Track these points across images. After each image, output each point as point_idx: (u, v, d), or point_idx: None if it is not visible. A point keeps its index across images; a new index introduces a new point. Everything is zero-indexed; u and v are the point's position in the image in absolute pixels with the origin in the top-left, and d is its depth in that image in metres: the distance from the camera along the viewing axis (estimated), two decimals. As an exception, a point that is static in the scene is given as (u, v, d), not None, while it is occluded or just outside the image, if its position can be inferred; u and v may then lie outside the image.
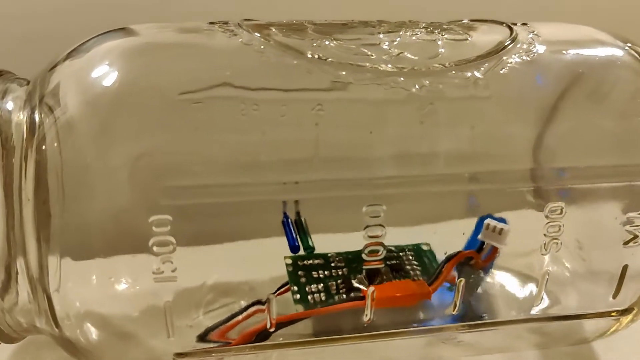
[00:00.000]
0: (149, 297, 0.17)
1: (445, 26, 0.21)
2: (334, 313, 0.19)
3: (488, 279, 0.20)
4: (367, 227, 0.17)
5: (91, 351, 0.18)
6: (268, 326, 0.18)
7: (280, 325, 0.19)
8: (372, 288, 0.18)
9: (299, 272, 0.19)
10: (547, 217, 0.18)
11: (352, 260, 0.19)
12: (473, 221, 0.18)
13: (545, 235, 0.18)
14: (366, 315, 0.19)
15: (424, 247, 0.20)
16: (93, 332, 0.18)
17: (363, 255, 0.18)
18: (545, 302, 0.20)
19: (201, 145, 0.17)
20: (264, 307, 0.18)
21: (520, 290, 0.20)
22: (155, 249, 0.16)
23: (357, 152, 0.18)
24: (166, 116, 0.17)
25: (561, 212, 0.18)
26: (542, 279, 0.19)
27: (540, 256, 0.19)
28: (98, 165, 0.16)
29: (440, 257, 0.19)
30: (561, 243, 0.18)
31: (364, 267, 0.18)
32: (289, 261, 0.18)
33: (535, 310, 0.20)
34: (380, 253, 0.18)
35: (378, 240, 0.17)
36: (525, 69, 0.19)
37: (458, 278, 0.19)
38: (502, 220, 0.18)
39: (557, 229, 0.18)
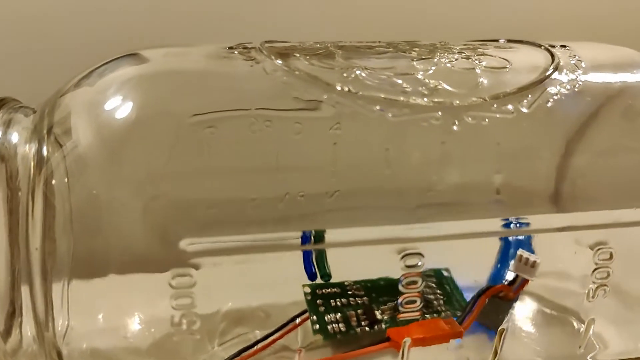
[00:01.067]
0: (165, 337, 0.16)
1: (480, 50, 0.19)
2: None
3: (525, 316, 0.19)
4: (403, 276, 0.16)
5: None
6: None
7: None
8: (408, 339, 0.17)
9: (317, 301, 0.17)
10: (596, 263, 0.17)
11: (373, 289, 0.18)
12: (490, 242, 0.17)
13: (593, 282, 0.17)
14: (401, 363, 0.17)
15: (445, 273, 0.18)
16: None
17: (399, 307, 0.17)
18: (591, 347, 0.19)
19: (217, 185, 0.16)
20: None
21: (562, 331, 0.19)
22: (174, 302, 0.15)
23: (377, 184, 0.16)
24: (181, 145, 0.16)
25: (611, 257, 0.17)
26: (588, 326, 0.18)
27: (585, 302, 0.18)
28: (110, 202, 0.15)
29: (461, 284, 0.18)
30: (609, 290, 0.17)
31: (399, 318, 0.17)
32: (308, 290, 0.17)
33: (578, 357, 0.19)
34: (418, 303, 0.16)
35: (416, 292, 0.16)
36: (571, 100, 0.17)
37: (486, 311, 0.18)
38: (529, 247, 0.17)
39: (606, 274, 0.17)
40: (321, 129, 0.16)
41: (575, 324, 0.19)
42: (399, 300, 0.16)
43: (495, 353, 0.18)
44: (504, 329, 0.18)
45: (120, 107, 0.16)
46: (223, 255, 0.15)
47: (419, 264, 0.16)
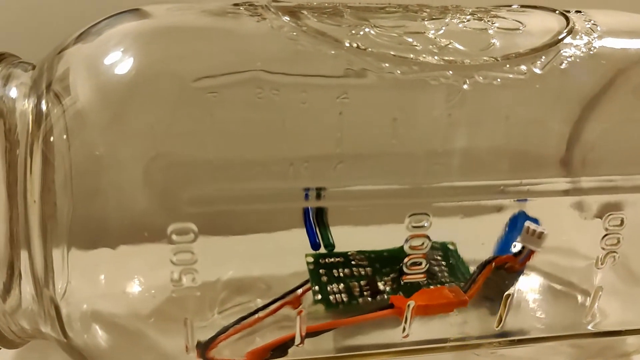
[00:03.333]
0: (165, 301, 0.16)
1: (493, 12, 0.19)
2: (357, 324, 0.17)
3: (529, 288, 0.19)
4: (409, 238, 0.16)
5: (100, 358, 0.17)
6: (297, 341, 0.17)
7: (307, 335, 0.17)
8: (412, 302, 0.17)
9: (320, 271, 0.17)
10: (606, 229, 0.16)
11: (376, 259, 0.17)
12: (498, 218, 0.17)
13: (603, 248, 0.17)
14: (404, 330, 0.17)
15: (450, 247, 0.18)
16: (102, 337, 0.16)
17: (404, 268, 0.16)
18: (594, 317, 0.18)
19: (219, 142, 0.15)
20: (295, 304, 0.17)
21: (566, 303, 0.19)
22: (175, 258, 0.15)
23: (383, 149, 0.16)
24: (185, 108, 0.15)
25: (622, 224, 0.16)
26: (595, 294, 0.18)
27: (590, 268, 0.17)
28: (110, 160, 0.15)
29: (466, 257, 0.18)
30: (619, 257, 0.17)
31: (403, 280, 0.17)
32: (311, 259, 0.17)
33: (583, 326, 0.18)
34: (423, 266, 0.16)
35: (422, 252, 0.16)
36: (585, 64, 0.17)
37: (491, 283, 0.18)
38: (535, 220, 0.17)
39: (616, 241, 0.17)
40: (328, 98, 0.16)
41: (579, 297, 0.18)
42: (405, 261, 0.16)
43: (500, 319, 0.18)
44: (510, 294, 0.17)
45: (120, 64, 0.15)
46: (222, 206, 0.15)
47: (425, 224, 0.16)
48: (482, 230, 0.17)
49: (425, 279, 0.17)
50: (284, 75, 0.16)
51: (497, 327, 0.18)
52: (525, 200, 0.17)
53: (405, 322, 0.17)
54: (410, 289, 0.17)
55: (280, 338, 0.17)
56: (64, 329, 0.16)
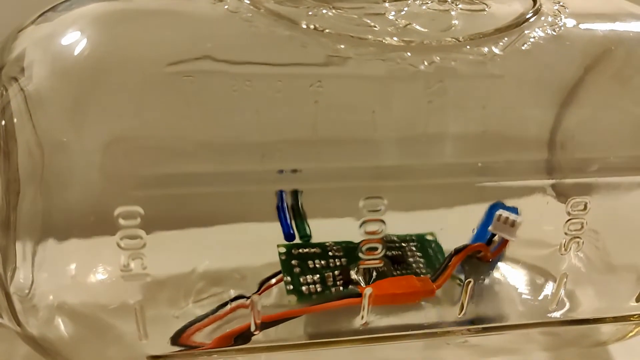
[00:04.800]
0: (124, 291, 0.16)
1: (458, -6, 0.18)
2: (326, 311, 0.17)
3: (498, 276, 0.18)
4: (364, 222, 0.15)
5: (60, 350, 0.16)
6: (252, 328, 0.16)
7: (266, 325, 0.17)
8: (369, 289, 0.16)
9: (292, 262, 0.17)
10: (569, 213, 0.16)
11: (352, 250, 0.17)
12: (480, 209, 0.17)
13: (566, 233, 0.16)
14: (362, 317, 0.17)
15: (429, 238, 0.18)
16: (64, 328, 0.16)
17: (359, 254, 0.16)
18: (562, 304, 0.18)
19: (187, 125, 0.15)
20: (247, 302, 0.16)
21: (534, 290, 0.18)
22: (122, 242, 0.14)
23: (359, 135, 0.16)
24: (143, 91, 0.15)
25: (585, 208, 0.16)
26: (560, 280, 0.17)
27: (558, 255, 0.17)
28: (66, 143, 0.15)
29: (447, 248, 0.18)
30: (582, 242, 0.16)
31: (360, 265, 0.16)
32: (283, 250, 0.17)
33: (550, 314, 0.18)
34: (378, 251, 0.16)
35: (377, 237, 0.16)
36: (550, 45, 0.17)
37: (465, 275, 0.17)
38: (514, 209, 0.17)
39: (580, 226, 0.16)
40: (301, 86, 0.16)
41: (548, 284, 0.18)
42: (360, 246, 0.16)
43: (462, 307, 0.17)
44: (470, 281, 0.17)
45: (77, 42, 0.15)
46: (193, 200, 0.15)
47: (381, 209, 0.15)
48: (463, 221, 0.17)
49: (381, 264, 0.16)
50: (231, 61, 0.15)
51: (459, 314, 0.17)
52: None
53: (363, 310, 0.17)
54: (380, 279, 0.17)
55: (239, 327, 0.17)
56: (17, 319, 0.16)
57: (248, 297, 0.16)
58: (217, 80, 0.15)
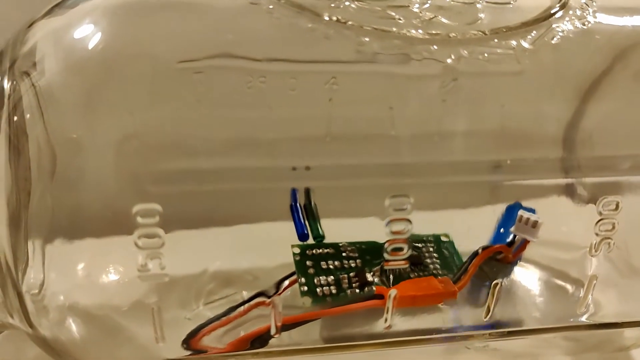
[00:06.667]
0: (138, 291, 0.15)
1: (483, -12, 0.18)
2: (346, 314, 0.17)
3: (517, 278, 0.18)
4: (390, 221, 0.15)
5: (72, 352, 0.16)
6: (272, 331, 0.16)
7: (286, 327, 0.16)
8: (394, 290, 0.16)
9: (307, 263, 0.17)
10: (600, 213, 0.16)
11: (367, 251, 0.17)
12: (494, 210, 0.16)
13: (597, 234, 0.16)
14: (385, 320, 0.16)
15: (443, 239, 0.18)
16: (76, 329, 0.16)
17: (385, 254, 0.15)
18: (589, 308, 0.18)
19: (201, 122, 0.15)
20: (268, 300, 0.16)
21: (554, 293, 0.18)
22: (140, 242, 0.14)
23: (377, 132, 0.15)
24: (158, 86, 0.15)
25: (617, 208, 0.16)
26: (590, 283, 0.17)
27: (587, 257, 0.16)
28: (79, 144, 0.14)
29: (462, 250, 0.17)
30: (614, 244, 0.16)
31: (385, 267, 0.16)
32: (297, 250, 0.16)
33: (575, 318, 0.18)
34: (404, 252, 0.15)
35: (402, 237, 0.15)
36: (579, 39, 0.16)
37: (489, 276, 0.17)
38: (531, 210, 0.16)
39: (611, 227, 0.16)
40: (316, 84, 0.15)
41: (574, 287, 0.18)
42: (385, 247, 0.15)
43: (488, 311, 0.17)
44: (497, 283, 0.16)
45: (91, 35, 0.15)
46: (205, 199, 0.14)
47: (407, 207, 0.15)
48: (478, 222, 0.17)
49: (407, 265, 0.16)
50: (250, 57, 0.15)
51: (485, 317, 0.17)
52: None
53: (387, 312, 0.16)
54: (398, 280, 0.16)
55: (257, 329, 0.16)
56: (29, 320, 0.15)
57: (269, 296, 0.16)
58: (233, 76, 0.15)
